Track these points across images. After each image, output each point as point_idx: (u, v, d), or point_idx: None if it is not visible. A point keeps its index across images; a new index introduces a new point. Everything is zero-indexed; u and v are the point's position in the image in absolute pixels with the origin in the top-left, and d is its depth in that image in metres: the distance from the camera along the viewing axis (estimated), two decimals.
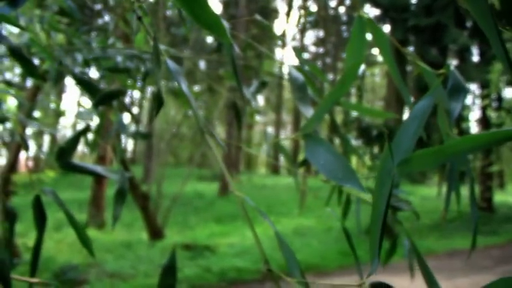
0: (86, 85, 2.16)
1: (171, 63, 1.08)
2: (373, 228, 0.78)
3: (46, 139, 37.34)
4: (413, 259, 1.90)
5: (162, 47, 1.25)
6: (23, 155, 12.92)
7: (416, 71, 1.18)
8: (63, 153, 1.50)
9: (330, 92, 0.90)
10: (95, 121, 2.41)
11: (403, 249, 2.22)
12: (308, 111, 1.12)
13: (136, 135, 2.32)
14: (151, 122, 22.73)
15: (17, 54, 1.39)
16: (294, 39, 40.29)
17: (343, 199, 1.84)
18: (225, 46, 1.08)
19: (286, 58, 41.69)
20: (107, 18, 22.24)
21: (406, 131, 0.86)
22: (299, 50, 1.35)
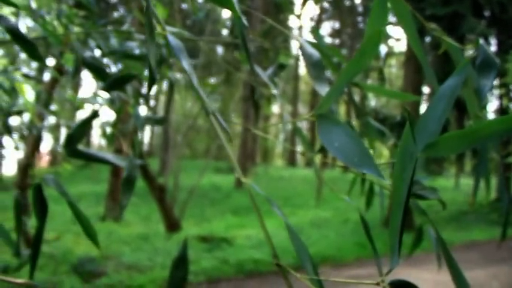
0: (96, 70, 2.11)
1: (172, 39, 1.02)
2: (393, 219, 0.71)
3: (63, 132, 37.50)
4: (440, 251, 1.83)
5: (174, 29, 1.19)
6: (40, 148, 12.98)
7: (442, 48, 1.11)
8: (71, 140, 1.45)
9: (347, 65, 0.83)
10: (103, 107, 2.36)
11: (425, 241, 2.14)
12: (324, 90, 1.05)
13: (150, 121, 2.26)
14: (167, 113, 22.74)
15: (16, 35, 1.34)
16: (310, 31, 40.07)
17: (366, 188, 1.76)
18: (236, 22, 1.02)
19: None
20: (122, 11, 22.25)
21: (432, 113, 0.79)
22: (316, 29, 1.28)
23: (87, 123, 1.52)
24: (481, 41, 1.03)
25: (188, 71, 0.96)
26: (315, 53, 1.16)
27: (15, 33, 1.34)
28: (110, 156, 1.48)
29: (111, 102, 2.55)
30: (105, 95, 2.64)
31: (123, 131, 2.59)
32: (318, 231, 15.11)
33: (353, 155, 0.77)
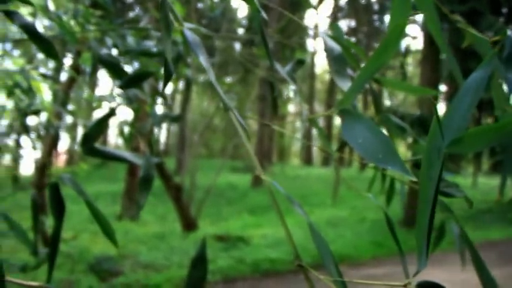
0: (112, 68, 2.09)
1: (189, 34, 1.00)
2: (420, 218, 0.68)
3: (80, 132, 37.71)
4: (464, 249, 1.79)
5: (190, 25, 1.17)
6: (57, 148, 13.03)
7: (466, 41, 1.08)
8: (88, 139, 1.44)
9: (370, 59, 0.80)
10: (120, 106, 2.35)
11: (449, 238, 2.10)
12: (345, 85, 1.03)
13: (167, 118, 2.25)
14: (184, 112, 22.76)
15: (32, 33, 1.33)
16: (328, 26, 39.98)
17: (387, 185, 1.73)
18: (254, 16, 1.00)
19: (318, 48, 41.45)
20: (138, 10, 22.31)
21: (457, 107, 0.76)
22: (335, 24, 1.25)
23: (104, 122, 1.51)
24: (510, 32, 1.00)
25: (206, 67, 0.94)
26: (336, 47, 1.13)
27: (31, 31, 1.33)
28: (126, 154, 1.47)
29: (128, 101, 2.54)
30: (122, 93, 2.64)
31: (141, 130, 2.58)
32: (335, 230, 15.06)
33: (377, 151, 0.74)
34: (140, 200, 1.57)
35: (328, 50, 1.13)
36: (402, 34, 0.79)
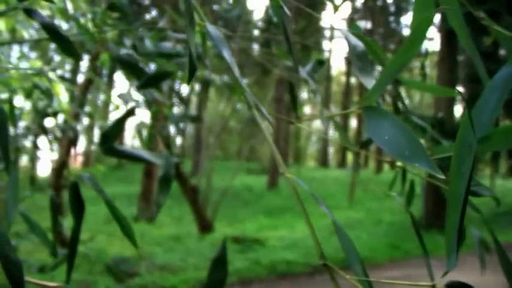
0: (131, 68, 2.09)
1: (212, 29, 0.99)
2: (450, 216, 0.66)
3: (96, 134, 37.88)
4: (483, 252, 1.75)
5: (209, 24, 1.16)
6: (74, 149, 13.11)
7: (490, 39, 1.06)
8: (106, 138, 1.43)
9: (395, 55, 0.79)
10: (138, 106, 2.34)
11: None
12: (370, 82, 1.01)
13: (185, 118, 2.24)
14: (200, 113, 22.80)
15: (51, 30, 1.33)
16: (341, 32, 39.92)
17: (407, 187, 1.71)
18: (276, 12, 0.98)
19: (334, 50, 41.39)
20: (154, 13, 22.36)
21: (484, 105, 0.74)
22: (355, 24, 1.24)
23: (122, 122, 1.50)
24: None
25: (230, 62, 0.92)
26: (359, 44, 1.12)
27: (51, 30, 1.32)
28: (145, 154, 1.46)
29: (146, 103, 2.54)
30: (140, 94, 2.63)
31: (160, 131, 2.58)
32: (351, 232, 15.01)
33: (404, 148, 0.72)
34: (160, 200, 1.56)
35: (351, 47, 1.11)
36: (428, 29, 0.78)
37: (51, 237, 1.54)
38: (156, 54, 2.54)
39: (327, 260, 0.74)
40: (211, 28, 0.99)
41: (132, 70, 2.08)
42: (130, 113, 1.56)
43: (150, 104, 2.54)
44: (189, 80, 0.94)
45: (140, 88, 1.97)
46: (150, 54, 2.53)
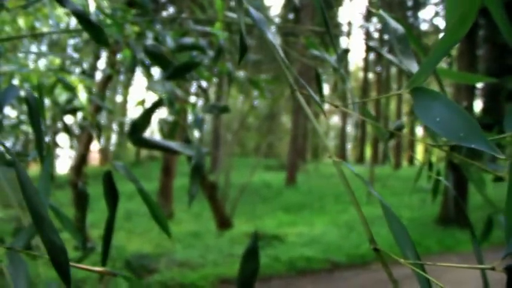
0: (157, 58, 2.07)
1: (254, 12, 0.97)
2: (511, 202, 0.63)
3: (115, 130, 38.03)
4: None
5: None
6: (93, 146, 13.17)
7: None
8: (135, 129, 1.41)
9: (445, 35, 0.76)
10: (168, 95, 2.33)
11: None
12: (412, 65, 0.99)
13: (214, 109, 2.22)
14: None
15: (83, 19, 1.31)
16: (360, 26, 39.88)
17: (432, 180, 1.68)
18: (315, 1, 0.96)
19: (352, 46, 41.24)
20: (171, 10, 22.40)
21: None
22: (380, 14, 1.21)
23: (150, 113, 1.49)
24: None
25: (273, 44, 0.90)
26: (399, 27, 1.09)
27: (82, 18, 1.31)
28: (174, 144, 1.44)
29: (169, 98, 2.52)
30: (163, 88, 2.62)
31: (183, 126, 2.56)
32: (371, 227, 14.95)
33: (458, 130, 0.70)
34: (193, 191, 1.54)
35: (391, 30, 1.09)
36: (474, 14, 0.75)
37: (81, 231, 1.53)
38: (178, 47, 2.53)
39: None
40: (253, 11, 0.97)
41: (159, 61, 2.07)
42: (158, 104, 1.54)
43: (173, 98, 2.52)
44: (240, 60, 0.92)
45: (168, 79, 1.95)
46: (172, 49, 2.52)
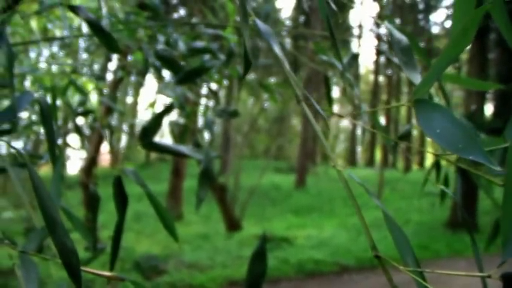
0: (168, 62, 2.10)
1: (260, 24, 0.99)
2: (507, 207, 0.65)
3: (125, 132, 38.11)
4: None
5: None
6: (103, 148, 13.24)
7: None
8: (146, 133, 1.44)
9: (447, 46, 0.78)
10: (178, 100, 2.35)
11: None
12: (415, 76, 1.00)
13: (224, 113, 2.24)
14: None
15: (95, 27, 1.34)
16: (371, 29, 39.77)
17: (441, 184, 1.70)
18: (321, 7, 0.98)
19: (362, 49, 41.19)
20: (182, 12, 22.45)
21: None
22: (391, 18, 1.23)
23: (161, 117, 1.51)
24: None
25: (279, 56, 0.92)
26: (403, 38, 1.11)
27: (94, 25, 1.34)
28: (184, 148, 1.47)
29: (179, 102, 2.54)
30: (174, 92, 2.64)
31: (193, 129, 2.59)
32: (379, 232, 14.92)
33: (457, 141, 0.72)
34: (201, 194, 1.57)
35: (395, 40, 1.10)
36: (477, 23, 0.77)
37: (92, 231, 1.56)
38: (190, 51, 2.55)
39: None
40: (260, 23, 0.99)
41: (170, 65, 2.09)
42: (169, 108, 1.57)
43: (183, 102, 2.55)
44: (244, 75, 0.94)
45: (179, 83, 1.98)
46: (184, 53, 2.54)
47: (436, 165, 1.58)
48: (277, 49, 0.94)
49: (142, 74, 2.63)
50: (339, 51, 1.07)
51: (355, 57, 1.97)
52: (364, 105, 1.64)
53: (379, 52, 40.22)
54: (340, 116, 1.05)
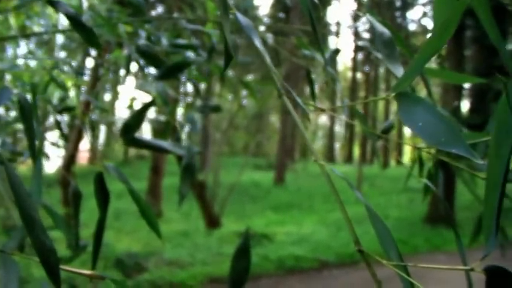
0: (150, 57, 2.09)
1: (241, 17, 0.99)
2: (488, 199, 0.66)
3: (102, 130, 37.88)
4: (506, 245, 1.75)
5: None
6: (82, 145, 13.17)
7: None
8: (127, 129, 1.43)
9: (429, 40, 0.78)
10: (159, 96, 2.34)
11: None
12: (398, 70, 1.01)
13: (206, 108, 2.23)
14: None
15: (76, 21, 1.33)
16: (349, 26, 39.95)
17: (423, 180, 1.70)
18: (302, 0, 0.98)
19: (340, 46, 41.27)
20: (160, 9, 22.34)
21: None
22: (373, 11, 1.23)
23: (143, 113, 1.51)
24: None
25: (261, 50, 0.93)
26: (385, 31, 1.11)
27: (74, 20, 1.33)
28: (166, 144, 1.46)
29: (163, 101, 2.53)
30: (156, 88, 2.63)
31: (174, 126, 2.58)
32: (359, 227, 15.00)
33: (439, 135, 0.72)
34: (184, 190, 1.56)
35: (377, 34, 1.11)
36: (459, 17, 0.77)
37: (74, 229, 1.54)
38: (172, 46, 2.54)
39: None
40: (240, 16, 0.99)
41: (152, 60, 2.08)
42: (150, 104, 1.56)
43: (166, 98, 2.53)
44: (225, 69, 0.93)
45: (160, 78, 1.97)
46: (166, 49, 2.53)
47: (419, 159, 1.58)
48: (258, 43, 0.94)
49: (125, 71, 2.61)
50: (321, 44, 1.07)
51: (336, 52, 1.98)
52: (346, 100, 1.65)
53: (357, 49, 40.37)
54: (322, 110, 1.05)
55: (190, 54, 2.55)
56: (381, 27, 1.14)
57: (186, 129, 2.30)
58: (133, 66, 2.55)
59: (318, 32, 1.02)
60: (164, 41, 2.52)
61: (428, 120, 0.75)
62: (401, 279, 0.76)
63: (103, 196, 1.14)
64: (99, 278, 1.02)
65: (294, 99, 0.96)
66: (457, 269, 0.69)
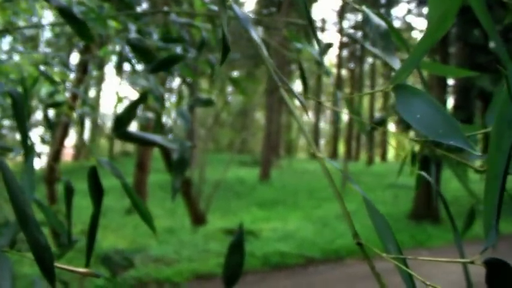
0: (141, 52, 2.08)
1: (238, 10, 0.99)
2: (489, 192, 0.66)
3: (87, 127, 37.71)
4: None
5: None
6: (67, 142, 13.11)
7: (509, 18, 1.06)
8: (119, 123, 1.43)
9: (427, 32, 0.79)
10: (150, 90, 2.33)
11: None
12: (394, 62, 1.01)
13: (197, 102, 2.23)
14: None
15: (68, 14, 1.32)
16: (335, 23, 40.03)
17: (415, 172, 1.71)
18: None
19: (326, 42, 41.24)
20: (144, 5, 22.23)
21: None
22: (365, 4, 1.23)
23: (135, 107, 1.50)
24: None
25: (258, 43, 0.92)
26: (382, 23, 1.12)
27: (66, 13, 1.32)
28: (159, 138, 1.46)
29: (155, 97, 2.52)
30: (148, 80, 2.61)
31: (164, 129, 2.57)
32: (344, 223, 15.06)
33: (437, 127, 0.72)
34: (176, 184, 1.56)
35: (374, 26, 1.11)
36: (456, 10, 0.78)
37: (67, 226, 1.54)
38: (163, 39, 2.53)
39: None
40: (237, 8, 0.99)
41: (143, 54, 2.07)
42: (142, 98, 1.56)
43: (158, 93, 2.53)
44: (223, 60, 0.93)
45: (152, 72, 1.96)
46: (157, 44, 2.52)
47: (412, 155, 1.59)
48: (255, 34, 0.94)
49: (116, 66, 2.60)
50: (317, 36, 1.07)
51: (328, 46, 1.99)
52: (339, 93, 1.65)
53: (342, 46, 40.43)
54: (319, 102, 1.05)
55: (180, 49, 2.54)
56: (377, 19, 1.14)
57: (176, 124, 2.29)
58: (123, 62, 2.54)
59: (313, 24, 1.02)
60: (155, 36, 2.52)
61: (426, 112, 0.75)
62: (400, 272, 0.76)
63: (97, 191, 1.14)
64: (93, 276, 1.02)
65: (290, 90, 0.96)
66: (457, 262, 0.69)
